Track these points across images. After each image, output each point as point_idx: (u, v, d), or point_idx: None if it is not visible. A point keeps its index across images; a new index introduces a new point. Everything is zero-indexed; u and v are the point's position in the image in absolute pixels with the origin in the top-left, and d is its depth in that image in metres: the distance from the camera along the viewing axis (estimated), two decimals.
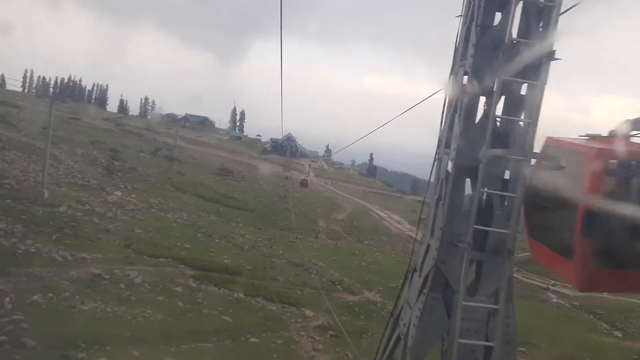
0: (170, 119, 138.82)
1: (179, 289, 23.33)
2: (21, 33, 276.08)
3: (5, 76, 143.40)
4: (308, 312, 25.61)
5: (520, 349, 29.13)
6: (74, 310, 16.97)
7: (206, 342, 18.11)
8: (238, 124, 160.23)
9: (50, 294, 17.74)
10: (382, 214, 76.63)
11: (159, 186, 55.60)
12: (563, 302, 47.38)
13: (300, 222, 57.39)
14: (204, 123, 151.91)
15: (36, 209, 31.29)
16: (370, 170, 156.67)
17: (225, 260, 32.09)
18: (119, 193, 46.87)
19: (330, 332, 22.78)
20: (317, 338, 22.07)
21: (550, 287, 52.40)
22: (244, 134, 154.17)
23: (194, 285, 24.92)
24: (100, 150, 61.90)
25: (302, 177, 39.18)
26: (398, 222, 73.39)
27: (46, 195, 36.44)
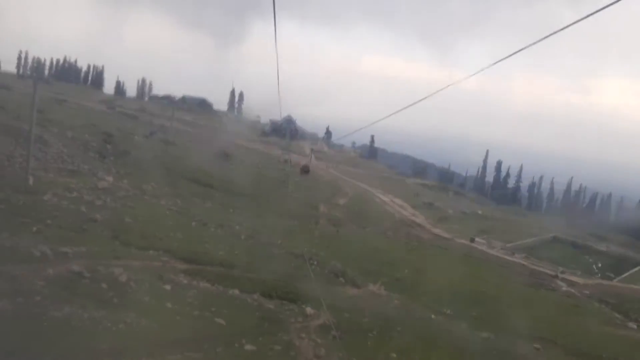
0: (168, 100, 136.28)
1: (168, 287, 21.36)
2: (17, 13, 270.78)
3: (0, 58, 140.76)
4: (309, 310, 23.75)
5: (535, 345, 27.42)
6: (44, 318, 14.98)
7: (196, 350, 16.20)
8: (237, 105, 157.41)
9: (20, 299, 15.77)
10: (385, 198, 74.80)
11: (153, 171, 53.44)
12: (573, 291, 45.70)
13: (300, 208, 55.58)
14: (202, 105, 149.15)
15: (18, 198, 29.25)
16: (372, 152, 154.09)
17: (220, 252, 30.17)
18: (110, 179, 44.79)
19: (333, 333, 20.87)
20: (319, 341, 20.21)
21: (559, 274, 50.74)
22: (243, 115, 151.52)
23: (185, 282, 22.96)
24: (92, 133, 59.60)
25: (302, 163, 36.44)
26: (401, 206, 71.63)
27: (31, 182, 34.38)
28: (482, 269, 45.34)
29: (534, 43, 7.00)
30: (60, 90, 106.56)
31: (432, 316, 29.06)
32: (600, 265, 60.15)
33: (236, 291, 23.77)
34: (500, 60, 8.01)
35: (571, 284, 48.48)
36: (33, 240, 23.31)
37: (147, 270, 22.84)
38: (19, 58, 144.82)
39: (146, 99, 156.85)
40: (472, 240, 58.72)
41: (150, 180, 48.64)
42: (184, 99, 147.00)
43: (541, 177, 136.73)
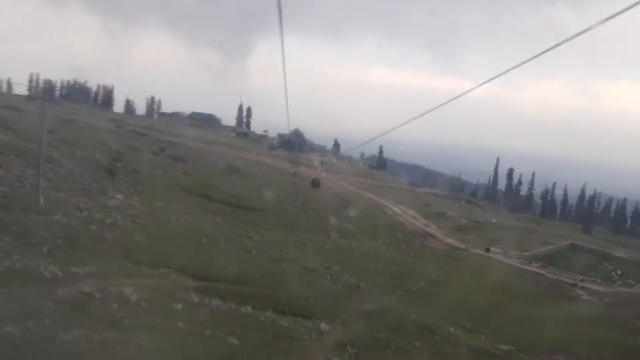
0: (176, 117, 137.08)
1: (179, 305, 20.89)
2: (29, 37, 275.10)
3: (12, 80, 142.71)
4: (323, 326, 23.17)
5: (557, 357, 26.63)
6: (53, 343, 14.58)
7: None
8: (245, 120, 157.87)
9: (29, 322, 15.39)
10: (396, 209, 74.13)
11: (163, 188, 53.43)
12: (593, 300, 44.66)
13: (310, 221, 55.07)
14: (210, 120, 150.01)
15: (29, 218, 29.01)
16: (380, 163, 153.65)
17: (232, 268, 29.68)
18: (120, 197, 44.67)
19: (349, 350, 20.27)
20: (335, 359, 19.62)
21: (579, 283, 49.72)
22: (251, 130, 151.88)
23: (197, 300, 22.49)
24: (102, 152, 59.72)
25: (313, 176, 35.05)
26: (413, 217, 70.92)
27: (41, 202, 34.25)
28: (499, 279, 44.42)
29: (543, 52, 6.81)
30: (70, 110, 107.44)
31: (451, 329, 28.32)
32: (620, 272, 58.86)
33: (249, 308, 23.26)
34: (508, 70, 7.81)
35: (591, 292, 47.44)
36: (44, 261, 23.02)
37: (158, 289, 22.43)
38: (30, 80, 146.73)
39: (155, 116, 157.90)
40: (488, 250, 57.87)
41: (160, 197, 48.55)
42: (192, 116, 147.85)
43: (554, 184, 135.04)
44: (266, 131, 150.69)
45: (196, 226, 40.63)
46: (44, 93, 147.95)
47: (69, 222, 30.84)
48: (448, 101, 10.21)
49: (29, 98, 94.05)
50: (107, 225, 33.58)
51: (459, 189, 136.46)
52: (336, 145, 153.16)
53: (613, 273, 59.10)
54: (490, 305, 35.53)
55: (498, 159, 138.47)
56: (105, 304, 18.81)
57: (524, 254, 60.79)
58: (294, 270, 32.99)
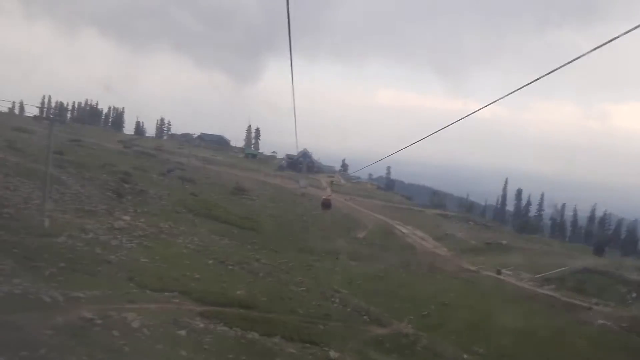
0: (185, 139, 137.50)
1: (183, 332, 20.22)
2: (43, 61, 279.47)
3: (25, 103, 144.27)
4: (332, 354, 22.38)
5: None
6: None
7: None
8: (253, 141, 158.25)
9: (24, 352, 14.77)
10: (405, 230, 73.04)
11: (170, 209, 52.99)
12: (609, 324, 43.15)
13: (319, 242, 54.26)
14: (219, 142, 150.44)
15: (32, 241, 28.63)
16: (389, 183, 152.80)
17: (238, 292, 29.02)
18: (127, 218, 44.29)
19: None
20: None
21: (593, 306, 48.28)
22: (260, 151, 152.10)
23: (202, 325, 21.81)
24: (110, 173, 59.56)
25: (323, 197, 33.32)
26: (422, 238, 69.79)
27: (47, 224, 33.91)
28: (511, 302, 43.24)
29: (549, 73, 6.84)
30: (77, 131, 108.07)
31: (465, 356, 27.37)
32: (634, 295, 57.23)
33: (255, 334, 22.54)
34: (516, 90, 7.78)
35: (606, 316, 45.96)
36: (45, 285, 22.51)
37: (161, 314, 21.79)
38: (42, 103, 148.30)
39: (165, 137, 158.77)
40: (499, 272, 56.55)
41: (167, 218, 48.09)
42: (201, 137, 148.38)
43: (563, 205, 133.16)
44: (274, 152, 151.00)
45: (203, 248, 40.05)
46: (53, 115, 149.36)
47: (74, 244, 30.43)
48: (453, 122, 10.22)
49: (35, 119, 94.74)
50: (113, 247, 33.15)
51: (467, 210, 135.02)
52: (344, 166, 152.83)
53: (627, 296, 57.49)
54: (504, 329, 34.37)
55: (506, 180, 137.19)
56: (105, 331, 18.19)
57: (536, 276, 59.34)
58: (302, 294, 32.23)
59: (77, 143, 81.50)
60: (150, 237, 38.91)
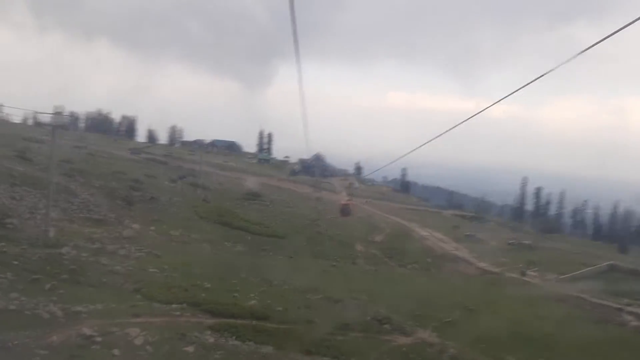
0: (197, 145, 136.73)
1: (191, 348, 18.55)
2: (55, 71, 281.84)
3: (37, 112, 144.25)
4: None
5: None
6: None
7: None
8: (266, 147, 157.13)
9: None
10: (423, 233, 70.98)
11: (181, 216, 51.61)
12: None
13: (335, 247, 52.53)
14: (231, 148, 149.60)
15: (34, 252, 27.28)
16: (404, 185, 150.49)
17: (251, 302, 27.33)
18: (136, 226, 43.03)
19: None
20: None
21: (624, 306, 45.86)
22: (272, 156, 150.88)
23: (212, 340, 20.13)
24: (120, 181, 58.42)
25: (342, 202, 30.23)
26: (441, 240, 67.68)
27: (51, 234, 32.63)
28: (539, 305, 41.06)
29: (560, 65, 6.65)
30: (90, 140, 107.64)
31: None
32: None
33: (270, 348, 20.81)
34: (527, 84, 7.43)
35: (638, 317, 43.59)
36: (44, 299, 21.08)
37: (168, 329, 20.17)
38: (55, 113, 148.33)
39: (177, 145, 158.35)
40: (523, 273, 54.34)
41: (178, 225, 46.73)
42: (213, 143, 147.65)
43: (584, 202, 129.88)
44: (287, 157, 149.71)
45: (214, 255, 38.60)
46: (58, 123, 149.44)
47: (78, 254, 29.05)
48: (466, 120, 9.81)
49: (37, 125, 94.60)
50: (120, 257, 31.78)
51: (485, 211, 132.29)
52: (358, 169, 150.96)
53: None
54: (534, 334, 32.31)
55: (525, 179, 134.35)
56: (105, 350, 16.63)
57: (562, 276, 57.03)
58: (318, 302, 30.45)
59: (83, 150, 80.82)
60: (160, 246, 37.54)
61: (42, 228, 33.31)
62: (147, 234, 40.77)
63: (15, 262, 24.66)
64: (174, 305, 24.00)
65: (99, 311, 20.75)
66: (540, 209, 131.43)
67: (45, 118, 36.41)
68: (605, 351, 31.30)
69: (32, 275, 23.67)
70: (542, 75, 7.24)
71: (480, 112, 9.86)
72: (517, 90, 8.15)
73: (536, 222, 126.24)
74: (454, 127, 10.60)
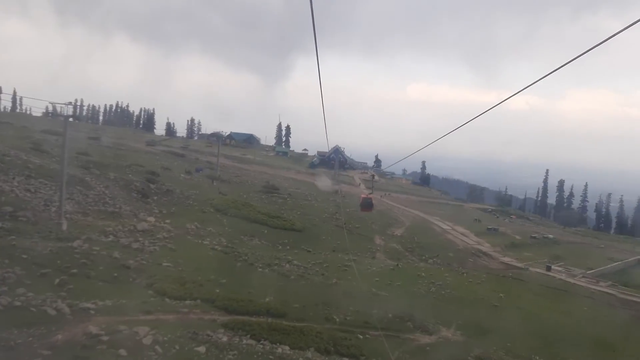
0: (215, 138, 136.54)
1: (202, 348, 17.53)
2: (77, 65, 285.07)
3: (57, 104, 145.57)
4: None
5: None
6: None
7: None
8: (284, 139, 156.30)
9: None
10: (444, 226, 69.38)
11: (197, 209, 50.80)
12: None
13: (354, 241, 51.36)
14: (249, 140, 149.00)
15: (45, 246, 26.53)
16: (423, 178, 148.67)
17: (267, 298, 26.27)
18: (152, 219, 42.26)
19: None
20: None
21: None
22: (290, 149, 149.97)
23: (225, 339, 19.09)
24: (136, 173, 57.84)
25: (363, 195, 28.31)
26: (463, 234, 66.00)
27: (64, 227, 31.96)
28: (567, 302, 39.42)
29: (581, 55, 6.27)
30: (108, 133, 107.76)
31: None
32: None
33: (286, 348, 19.73)
34: (547, 75, 7.10)
35: None
36: (52, 294, 20.29)
37: (179, 327, 19.19)
38: (75, 106, 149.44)
39: (195, 137, 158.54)
40: (549, 268, 52.54)
41: (195, 218, 45.90)
42: (231, 136, 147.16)
43: (609, 195, 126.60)
44: (306, 150, 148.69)
45: (231, 249, 37.56)
46: (79, 114, 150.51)
47: (90, 248, 28.23)
48: (484, 112, 9.57)
49: (46, 114, 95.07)
50: (133, 250, 30.92)
51: (506, 204, 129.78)
52: (377, 161, 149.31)
53: None
54: (564, 333, 30.81)
55: (547, 171, 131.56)
56: (111, 349, 15.68)
57: (588, 272, 55.06)
58: (337, 298, 29.27)
59: (97, 141, 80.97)
60: (175, 239, 36.65)
61: (55, 221, 32.69)
62: (162, 227, 39.91)
63: (25, 256, 23.92)
64: (187, 302, 23.07)
65: (108, 308, 19.89)
66: (563, 202, 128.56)
67: (59, 110, 35.67)
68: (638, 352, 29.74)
69: (41, 269, 22.92)
70: (563, 66, 6.69)
71: (499, 104, 9.28)
72: (536, 82, 7.55)
73: (559, 216, 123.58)
74: (472, 120, 10.09)
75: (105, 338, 16.36)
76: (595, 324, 34.98)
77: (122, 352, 15.59)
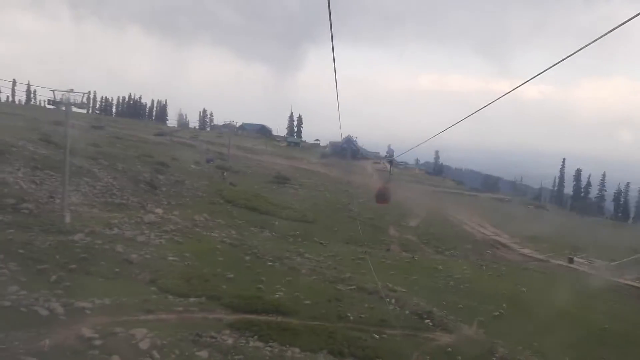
0: (228, 128, 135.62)
1: (205, 353, 16.06)
2: (89, 57, 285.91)
3: (70, 95, 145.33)
4: None
5: None
6: None
7: None
8: (296, 130, 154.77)
9: None
10: (460, 217, 67.53)
11: (207, 200, 49.55)
12: None
13: (367, 233, 49.71)
14: (261, 131, 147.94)
15: (44, 239, 25.28)
16: (437, 168, 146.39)
17: (277, 294, 24.81)
18: (159, 211, 40.98)
19: None
20: None
21: None
22: (302, 139, 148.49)
23: (230, 342, 17.64)
24: (145, 164, 56.65)
25: (379, 186, 26.21)
26: (480, 224, 64.15)
27: (67, 219, 30.66)
28: (593, 296, 37.53)
29: (594, 41, 5.86)
30: (120, 124, 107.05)
31: None
32: None
33: (297, 351, 18.26)
34: (559, 62, 6.69)
35: None
36: (48, 292, 19.00)
37: (181, 328, 17.80)
38: (88, 98, 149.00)
39: (207, 128, 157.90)
40: (571, 260, 50.61)
41: (203, 210, 44.61)
42: (243, 126, 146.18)
43: (627, 184, 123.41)
44: (317, 140, 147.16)
45: (240, 242, 36.17)
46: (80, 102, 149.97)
47: (92, 241, 26.95)
48: (495, 100, 9.72)
49: (49, 103, 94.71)
50: (138, 244, 29.61)
51: (521, 194, 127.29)
52: (390, 151, 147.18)
53: None
54: (593, 330, 29.05)
55: (564, 160, 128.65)
56: (103, 356, 14.27)
57: (611, 263, 53.04)
58: (351, 294, 27.75)
59: (101, 130, 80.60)
60: (182, 232, 35.31)
61: (58, 213, 31.49)
62: (170, 219, 38.59)
63: (21, 251, 22.68)
64: (191, 299, 21.69)
65: (105, 307, 18.57)
66: (580, 192, 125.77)
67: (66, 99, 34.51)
68: None
69: (38, 265, 21.69)
70: (576, 52, 6.50)
71: (510, 92, 9.22)
72: (550, 68, 7.29)
73: (576, 205, 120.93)
74: (484, 107, 10.02)
75: (98, 342, 14.97)
76: (625, 319, 33.15)
77: (115, 358, 14.19)
